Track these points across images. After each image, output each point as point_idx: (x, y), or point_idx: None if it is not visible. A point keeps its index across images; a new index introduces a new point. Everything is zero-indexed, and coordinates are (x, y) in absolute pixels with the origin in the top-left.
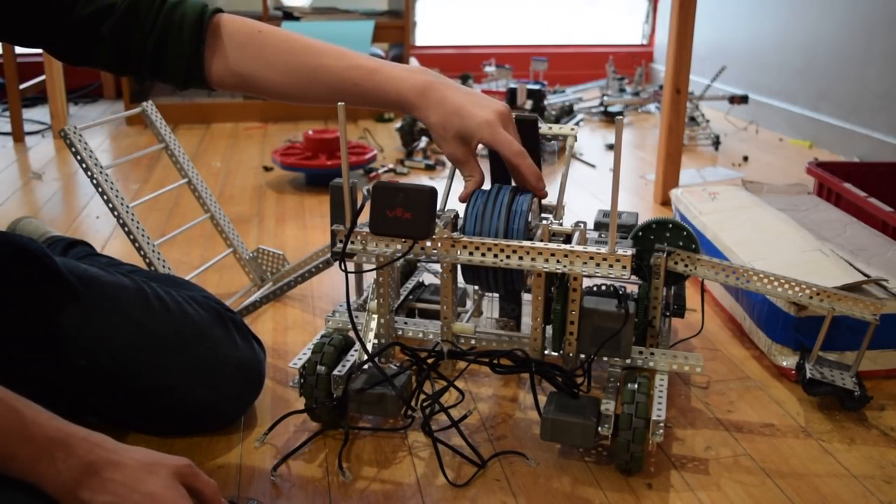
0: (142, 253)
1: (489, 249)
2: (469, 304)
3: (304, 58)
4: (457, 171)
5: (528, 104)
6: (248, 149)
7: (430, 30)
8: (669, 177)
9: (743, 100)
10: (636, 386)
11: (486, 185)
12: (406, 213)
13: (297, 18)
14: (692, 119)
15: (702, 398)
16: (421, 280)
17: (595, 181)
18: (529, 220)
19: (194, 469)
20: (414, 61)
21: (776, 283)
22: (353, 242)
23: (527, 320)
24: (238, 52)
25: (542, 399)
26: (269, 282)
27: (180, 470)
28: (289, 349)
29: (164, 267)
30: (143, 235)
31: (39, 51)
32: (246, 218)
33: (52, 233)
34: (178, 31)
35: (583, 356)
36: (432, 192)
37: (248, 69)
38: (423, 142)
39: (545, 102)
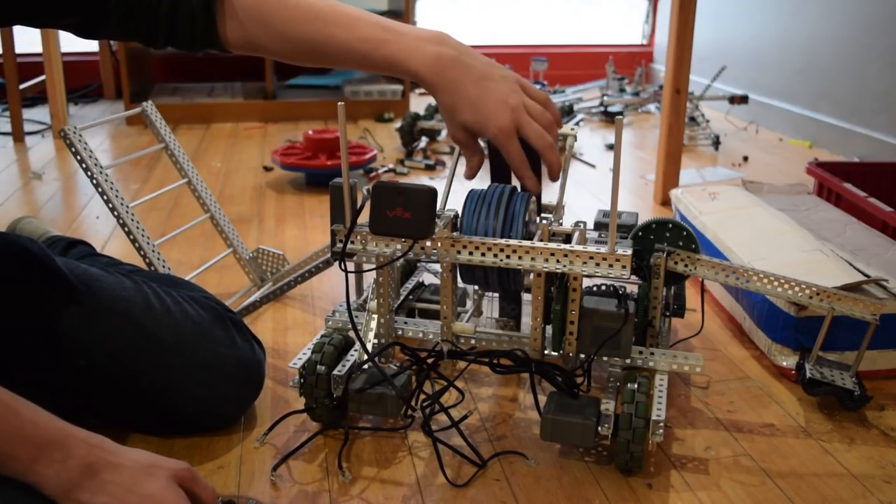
0: (142, 253)
1: (489, 249)
2: (469, 304)
3: (310, 28)
4: (456, 172)
5: None
6: (248, 149)
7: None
8: (669, 177)
9: (743, 100)
10: (636, 386)
11: (486, 185)
12: (406, 212)
13: None
14: (692, 119)
15: (702, 398)
16: (421, 280)
17: (595, 181)
18: (527, 219)
19: (193, 473)
20: None
21: (776, 283)
22: (353, 242)
23: (527, 320)
24: (245, 18)
25: (542, 399)
26: (269, 282)
27: (179, 474)
28: (289, 349)
29: (164, 267)
30: (143, 235)
31: (39, 50)
32: (246, 218)
33: (53, 233)
34: (188, 4)
35: (583, 356)
36: (432, 192)
37: (255, 37)
38: (423, 142)
39: None
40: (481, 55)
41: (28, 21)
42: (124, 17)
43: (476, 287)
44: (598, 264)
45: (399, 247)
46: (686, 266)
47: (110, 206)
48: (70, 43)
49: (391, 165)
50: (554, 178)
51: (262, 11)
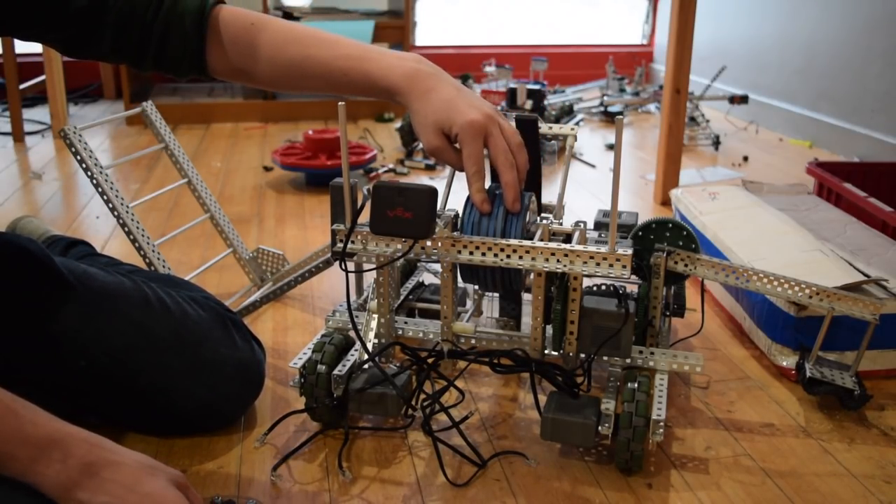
0: (142, 253)
1: (489, 249)
2: (469, 303)
3: (293, 50)
4: (456, 172)
5: (528, 104)
6: (248, 149)
7: (430, 30)
8: (669, 177)
9: (743, 100)
10: (636, 385)
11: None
12: (406, 212)
13: (297, 18)
14: (692, 119)
15: (702, 398)
16: (421, 280)
17: (595, 181)
18: (528, 219)
19: (188, 482)
20: None
21: (776, 283)
22: (353, 242)
23: (527, 320)
24: (231, 46)
25: (543, 399)
26: (269, 282)
27: (176, 479)
28: (289, 349)
29: (164, 267)
30: (143, 235)
31: (39, 50)
32: (246, 218)
33: (53, 232)
34: (181, 26)
35: (583, 356)
36: (433, 191)
37: (241, 63)
38: None
39: (545, 102)
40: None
41: (14, 33)
42: (118, 33)
43: (476, 287)
44: (598, 264)
45: (399, 247)
46: (686, 266)
47: (110, 206)
48: None
49: (391, 165)
50: (509, 205)
51: (247, 39)
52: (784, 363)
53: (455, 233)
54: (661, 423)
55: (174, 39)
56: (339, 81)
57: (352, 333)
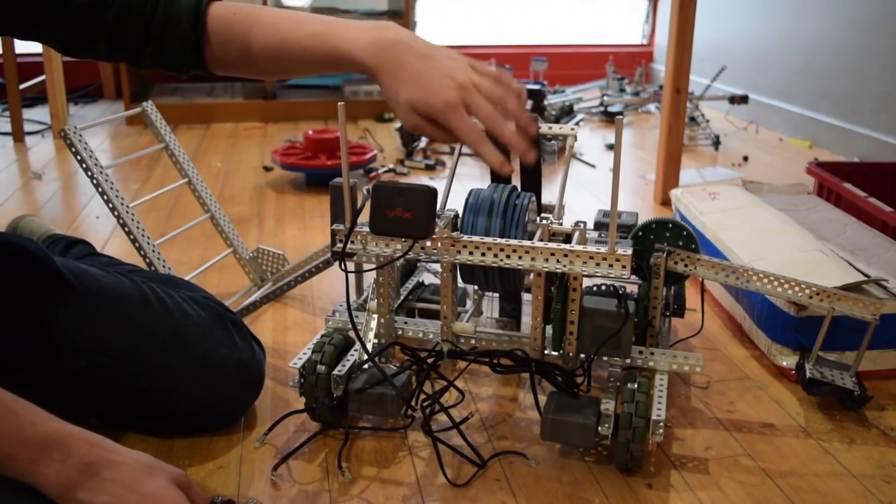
0: (142, 253)
1: (489, 249)
2: (469, 303)
3: (266, 35)
4: (456, 172)
5: (528, 104)
6: (248, 149)
7: (430, 30)
8: (669, 177)
9: (743, 100)
10: (636, 385)
11: (485, 185)
12: (406, 212)
13: None
14: (692, 119)
15: (702, 398)
16: (421, 280)
17: (595, 181)
18: (527, 219)
19: (190, 481)
20: None
21: (776, 283)
22: (353, 242)
23: (527, 320)
24: (218, 40)
25: (542, 399)
26: (269, 282)
27: (177, 478)
28: (289, 349)
29: (164, 267)
30: (143, 235)
31: (39, 50)
32: (246, 218)
33: (54, 231)
34: (177, 23)
35: (583, 356)
36: (432, 191)
37: (230, 56)
38: (423, 142)
39: (545, 102)
40: (428, 40)
41: (14, 33)
42: (116, 32)
43: (476, 287)
44: (598, 264)
45: (399, 247)
46: (686, 266)
47: (110, 206)
48: None
49: (391, 165)
50: (523, 157)
51: (230, 31)
52: (784, 363)
53: (455, 233)
54: (661, 424)
55: (172, 37)
56: (313, 60)
57: (352, 333)
